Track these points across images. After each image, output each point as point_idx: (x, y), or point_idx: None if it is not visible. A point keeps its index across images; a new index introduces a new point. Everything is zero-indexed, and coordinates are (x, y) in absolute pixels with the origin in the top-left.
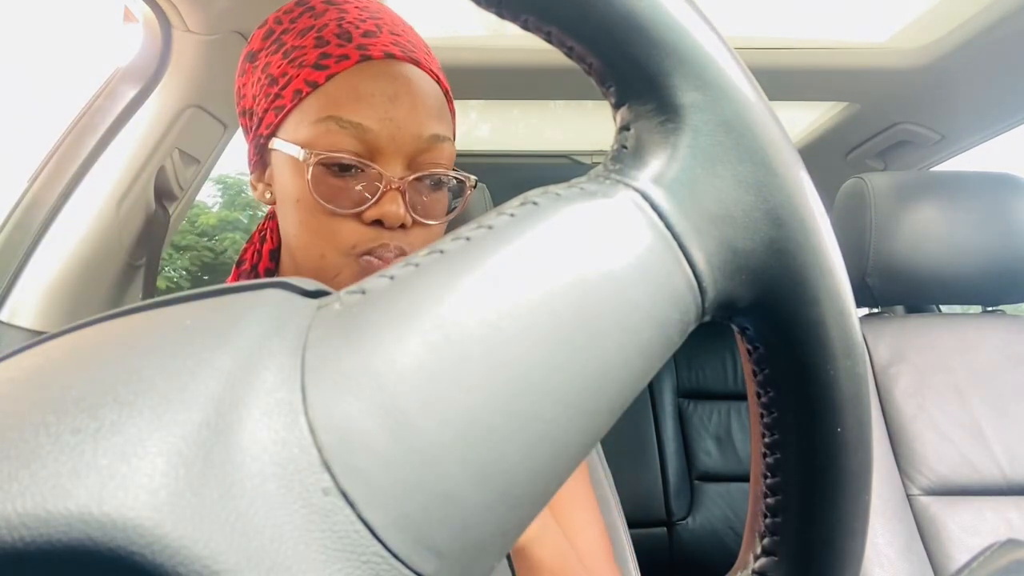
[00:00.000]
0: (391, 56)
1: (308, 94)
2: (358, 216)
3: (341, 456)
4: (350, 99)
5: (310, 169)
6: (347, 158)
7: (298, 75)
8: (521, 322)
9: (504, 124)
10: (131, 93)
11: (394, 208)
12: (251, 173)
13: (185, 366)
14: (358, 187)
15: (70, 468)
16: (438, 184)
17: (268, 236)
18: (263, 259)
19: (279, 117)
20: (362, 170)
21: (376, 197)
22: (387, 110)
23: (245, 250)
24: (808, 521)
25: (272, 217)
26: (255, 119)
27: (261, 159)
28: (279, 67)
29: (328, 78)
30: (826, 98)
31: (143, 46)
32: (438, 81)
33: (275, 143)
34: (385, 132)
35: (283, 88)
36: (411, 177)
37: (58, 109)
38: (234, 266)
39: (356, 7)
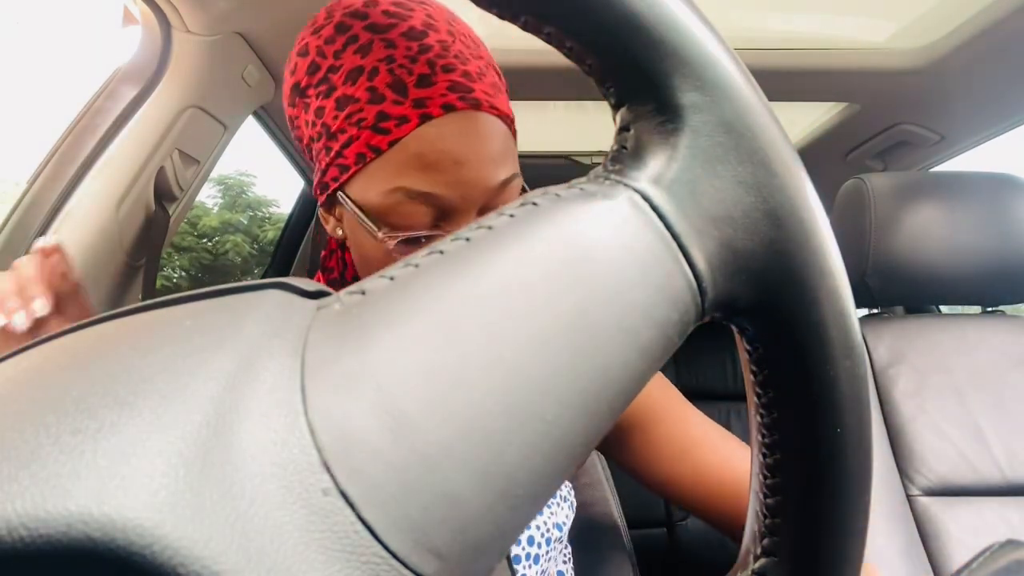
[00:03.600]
0: (451, 108)
1: (372, 159)
2: None
3: (341, 457)
4: (416, 168)
5: (392, 244)
6: (423, 234)
7: (359, 136)
8: (520, 323)
9: None
10: (131, 94)
11: None
12: (319, 204)
13: (185, 366)
14: None
15: (70, 469)
16: None
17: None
18: (349, 267)
19: (344, 176)
20: (439, 235)
21: None
22: (454, 173)
23: (327, 257)
24: (808, 522)
25: None
26: (316, 160)
27: (330, 196)
28: (335, 120)
29: (390, 144)
30: (826, 98)
31: (143, 47)
32: (499, 115)
33: (345, 201)
34: (455, 195)
35: (344, 147)
36: None
37: (58, 109)
38: (319, 272)
39: (401, 36)
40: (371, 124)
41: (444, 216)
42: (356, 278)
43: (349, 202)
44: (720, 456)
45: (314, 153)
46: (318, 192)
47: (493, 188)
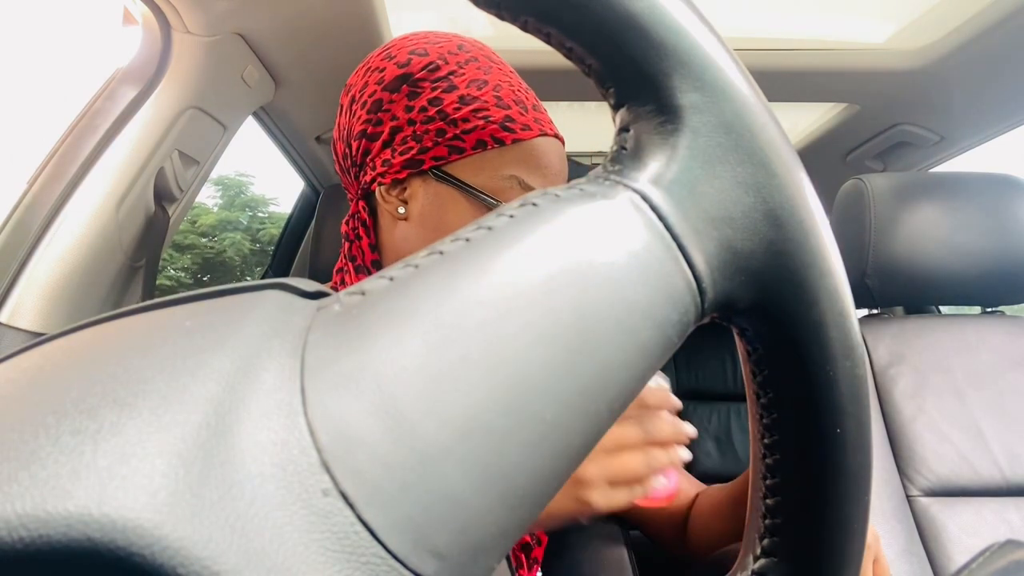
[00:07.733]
0: (555, 135)
1: (492, 148)
2: None
3: (341, 457)
4: (531, 166)
5: None
6: None
7: (484, 128)
8: (520, 323)
9: None
10: (131, 94)
11: None
12: (382, 184)
13: (185, 367)
14: None
15: (70, 469)
16: None
17: (362, 232)
18: (366, 253)
19: (453, 156)
20: None
21: None
22: (551, 180)
23: (353, 245)
24: (807, 522)
25: (354, 215)
26: (410, 141)
27: (412, 175)
28: (458, 110)
29: (514, 141)
30: (825, 99)
31: (143, 47)
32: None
33: (447, 177)
34: None
35: (465, 132)
36: None
37: (58, 110)
38: (349, 263)
39: (511, 72)
40: (498, 122)
41: None
42: (375, 262)
43: (451, 179)
44: None
45: (404, 135)
46: (398, 169)
47: None
